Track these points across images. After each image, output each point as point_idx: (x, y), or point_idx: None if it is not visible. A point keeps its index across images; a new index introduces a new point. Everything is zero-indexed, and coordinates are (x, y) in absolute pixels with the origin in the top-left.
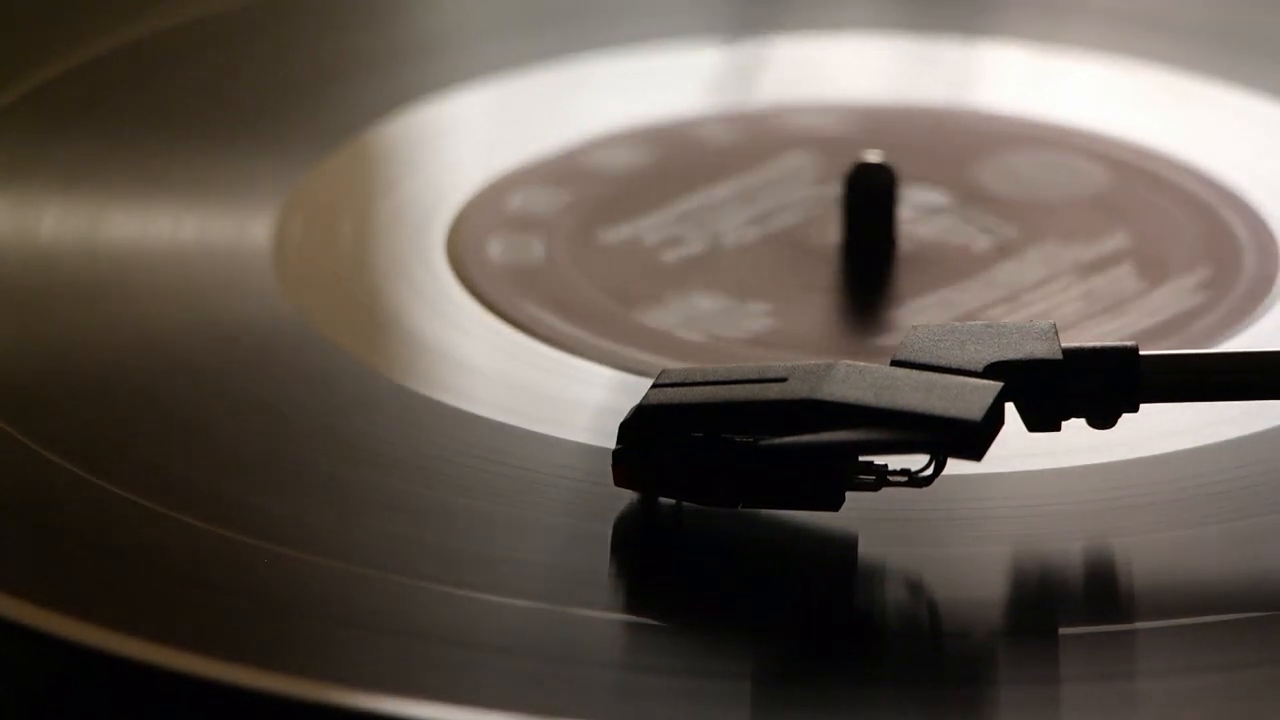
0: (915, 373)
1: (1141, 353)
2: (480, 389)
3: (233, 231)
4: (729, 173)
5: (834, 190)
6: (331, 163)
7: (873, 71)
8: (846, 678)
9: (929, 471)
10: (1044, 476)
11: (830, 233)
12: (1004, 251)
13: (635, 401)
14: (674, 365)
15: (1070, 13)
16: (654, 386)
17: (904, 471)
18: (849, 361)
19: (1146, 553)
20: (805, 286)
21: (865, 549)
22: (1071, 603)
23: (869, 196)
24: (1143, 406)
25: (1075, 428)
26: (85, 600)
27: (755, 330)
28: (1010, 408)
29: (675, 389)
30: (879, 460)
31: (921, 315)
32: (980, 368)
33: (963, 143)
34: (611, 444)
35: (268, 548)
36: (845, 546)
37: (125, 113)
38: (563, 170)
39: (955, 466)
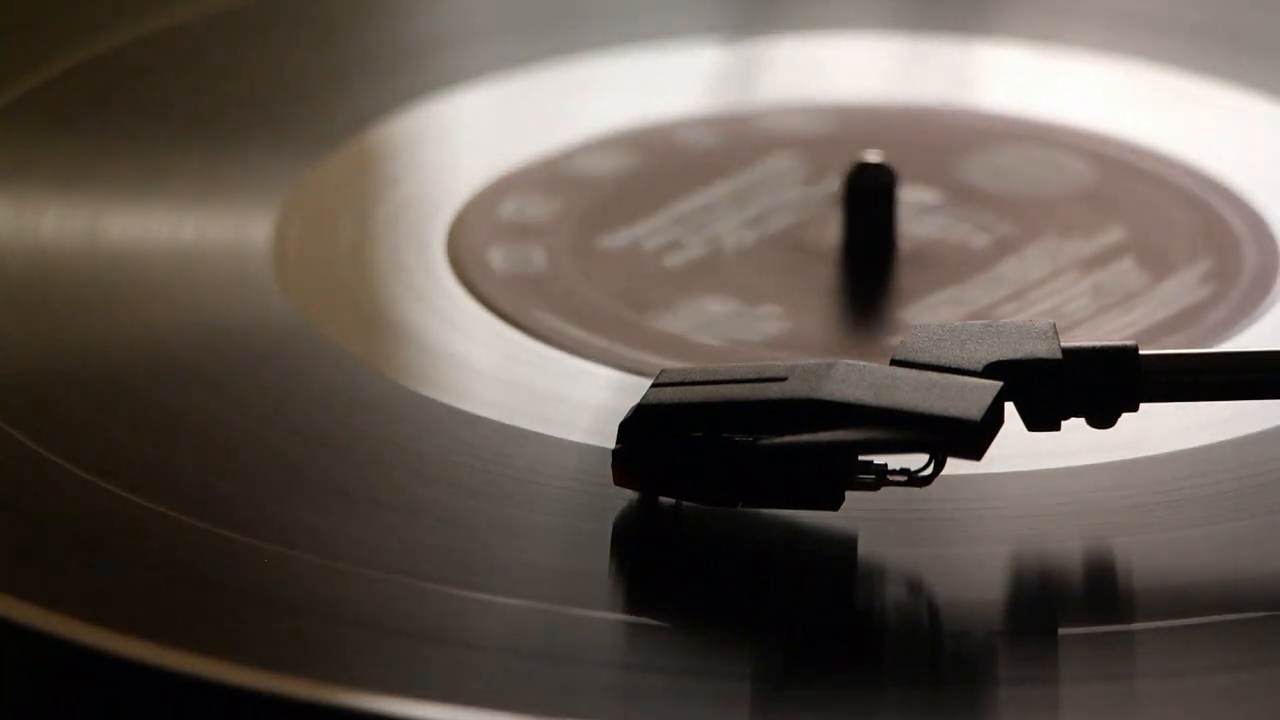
0: (915, 372)
1: (1141, 352)
2: (480, 389)
3: (233, 231)
4: (721, 174)
5: (828, 190)
6: (331, 163)
7: (867, 71)
8: (846, 677)
9: (928, 471)
10: (1044, 476)
11: (828, 233)
12: (1003, 248)
13: (635, 401)
14: (674, 365)
15: (1067, 12)
16: (653, 386)
17: (903, 471)
18: (849, 361)
19: (1146, 553)
20: (808, 288)
21: (865, 548)
22: (1071, 602)
23: (869, 196)
24: (1143, 406)
25: (1075, 428)
26: (84, 600)
27: (768, 333)
28: (1010, 407)
29: (675, 388)
30: (879, 459)
31: (927, 314)
32: (980, 367)
33: (957, 141)
34: (611, 443)
35: (267, 547)
36: (845, 546)
37: (125, 113)
38: (561, 171)
39: (955, 466)
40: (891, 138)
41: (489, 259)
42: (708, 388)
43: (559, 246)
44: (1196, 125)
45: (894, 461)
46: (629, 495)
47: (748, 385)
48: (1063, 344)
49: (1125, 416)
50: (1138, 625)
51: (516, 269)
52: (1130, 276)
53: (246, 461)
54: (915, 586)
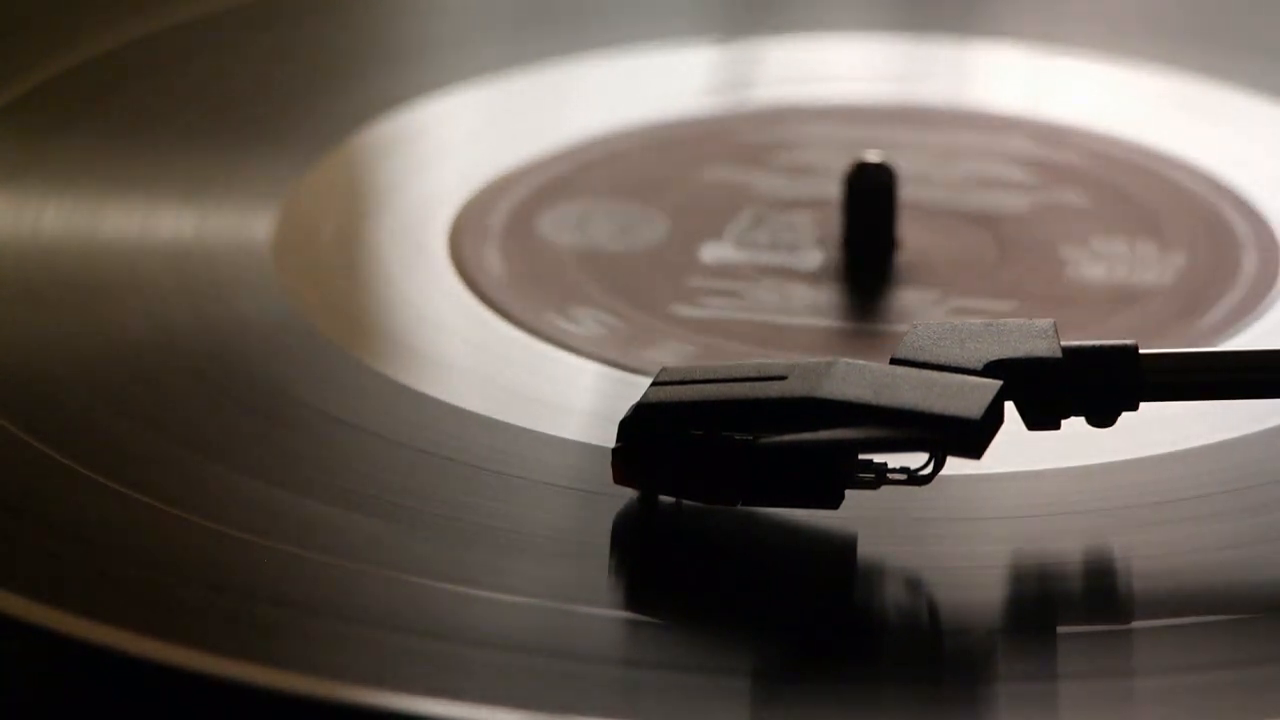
0: (915, 371)
1: (1141, 351)
2: (481, 388)
3: (233, 230)
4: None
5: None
6: (331, 161)
7: (865, 72)
8: (846, 675)
9: (928, 470)
10: (1044, 476)
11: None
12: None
13: (635, 399)
14: (675, 364)
15: (1067, 13)
16: (654, 384)
17: (903, 470)
18: (849, 359)
19: (1146, 553)
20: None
21: (864, 547)
22: (1070, 601)
23: (869, 196)
24: (1143, 406)
25: (1075, 427)
26: (84, 597)
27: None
28: (1010, 406)
29: (675, 387)
30: (878, 458)
31: (928, 314)
32: (980, 366)
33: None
34: (611, 442)
35: (268, 545)
36: (844, 545)
37: (125, 112)
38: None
39: (954, 465)
40: (891, 138)
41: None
42: (707, 386)
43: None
44: (1196, 125)
45: (894, 460)
46: (629, 494)
47: (748, 384)
48: (1063, 343)
49: (1125, 416)
50: (1137, 624)
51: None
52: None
53: (246, 460)
54: (915, 585)
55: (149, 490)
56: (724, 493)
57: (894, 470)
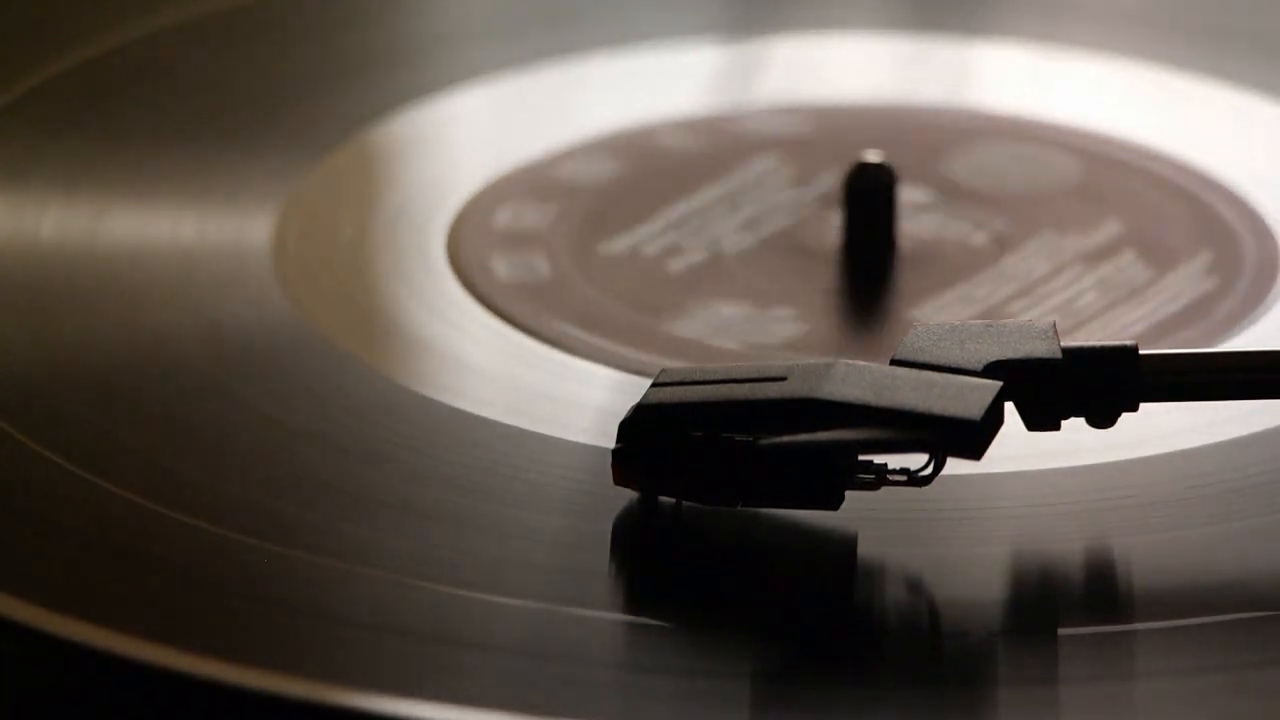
0: (915, 372)
1: (1141, 352)
2: (480, 389)
3: (233, 231)
4: (718, 175)
5: (826, 190)
6: (331, 163)
7: (865, 72)
8: (846, 677)
9: (928, 470)
10: (1044, 476)
11: (828, 234)
12: (1004, 246)
13: (635, 400)
14: (676, 365)
15: (1067, 12)
16: (653, 385)
17: (903, 470)
18: (848, 360)
19: (1146, 553)
20: (815, 290)
21: (864, 548)
22: (1071, 602)
23: (869, 196)
24: (1143, 406)
25: (1075, 427)
26: (84, 599)
27: (783, 335)
28: (1010, 407)
29: (675, 388)
30: (878, 459)
31: (934, 314)
32: (980, 367)
33: (955, 140)
34: (611, 443)
35: (267, 547)
36: (844, 546)
37: (125, 113)
38: (561, 170)
39: (955, 466)
40: (890, 138)
41: (488, 259)
42: (707, 387)
43: (559, 247)
44: (1195, 125)
45: (894, 461)
46: (629, 495)
47: (747, 385)
48: (1063, 344)
49: (1125, 416)
50: (1138, 625)
51: (516, 269)
52: (1134, 272)
53: (246, 461)
54: (915, 586)
55: (149, 493)
56: (724, 494)
57: (894, 471)
